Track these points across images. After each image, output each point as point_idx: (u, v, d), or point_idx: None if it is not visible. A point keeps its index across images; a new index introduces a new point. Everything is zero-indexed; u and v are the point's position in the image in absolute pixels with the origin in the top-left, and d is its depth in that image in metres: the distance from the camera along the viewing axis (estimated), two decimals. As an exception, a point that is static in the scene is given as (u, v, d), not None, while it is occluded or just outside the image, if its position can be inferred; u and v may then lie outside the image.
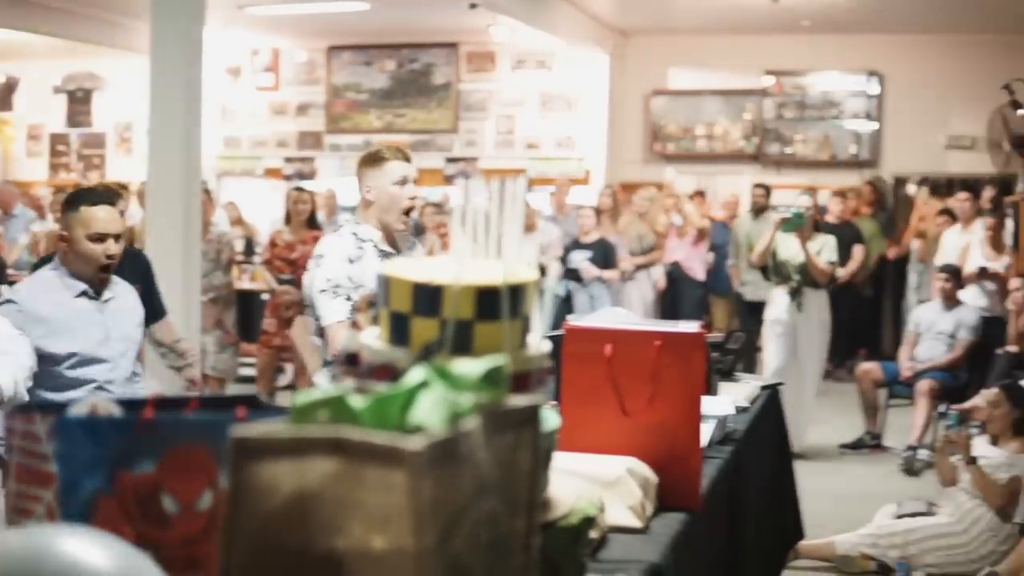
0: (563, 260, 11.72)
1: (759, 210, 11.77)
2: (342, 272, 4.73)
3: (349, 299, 4.69)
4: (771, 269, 9.50)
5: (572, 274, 11.61)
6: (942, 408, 9.62)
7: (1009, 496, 6.60)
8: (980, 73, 14.23)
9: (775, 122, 15.77)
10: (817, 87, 15.75)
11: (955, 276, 10.08)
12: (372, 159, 4.95)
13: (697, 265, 12.96)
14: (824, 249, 9.27)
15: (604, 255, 11.68)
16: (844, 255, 11.44)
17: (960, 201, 11.31)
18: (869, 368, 10.02)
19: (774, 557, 4.82)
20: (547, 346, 1.95)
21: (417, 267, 1.90)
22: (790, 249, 9.25)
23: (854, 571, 6.61)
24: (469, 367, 1.50)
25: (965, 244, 10.84)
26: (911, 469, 9.20)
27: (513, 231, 1.92)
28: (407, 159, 4.97)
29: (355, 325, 4.74)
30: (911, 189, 13.81)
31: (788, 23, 14.61)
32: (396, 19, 15.08)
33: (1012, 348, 9.58)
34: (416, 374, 1.48)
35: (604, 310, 6.61)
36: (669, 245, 12.81)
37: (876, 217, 14.18)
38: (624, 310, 6.92)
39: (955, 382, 9.78)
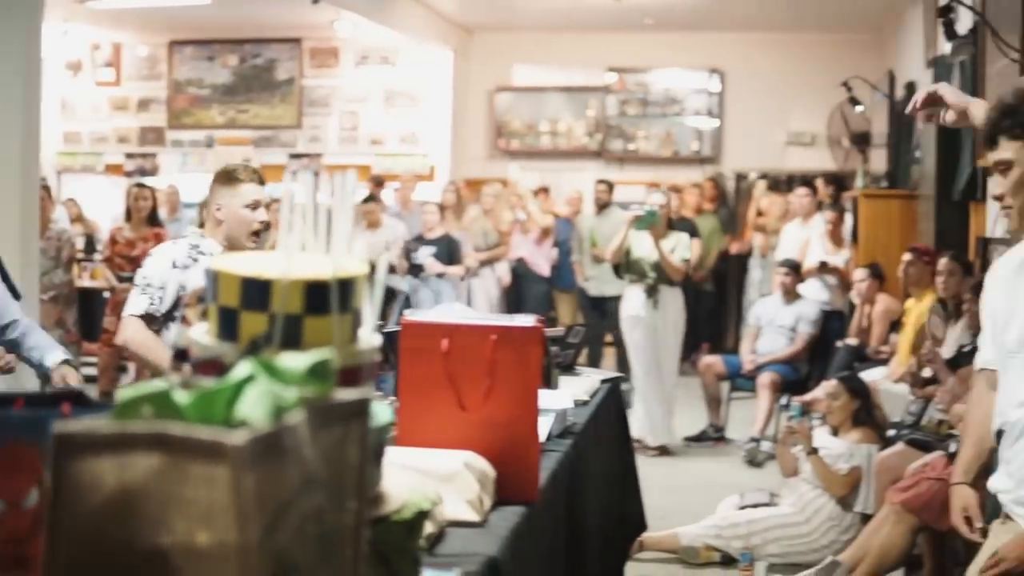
0: (407, 256, 11.70)
1: (602, 206, 11.86)
2: (158, 273, 4.76)
3: (153, 301, 4.72)
4: (624, 267, 9.57)
5: (416, 270, 11.60)
6: (784, 400, 9.82)
7: (850, 486, 6.74)
8: (820, 71, 14.54)
9: (618, 119, 15.95)
10: (659, 84, 15.97)
11: (795, 270, 10.27)
12: (227, 178, 4.90)
13: (542, 261, 13.02)
14: (679, 246, 9.38)
15: (448, 251, 11.69)
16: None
17: (799, 196, 11.51)
18: (712, 362, 10.18)
19: (617, 549, 4.85)
20: (378, 340, 1.95)
21: (246, 262, 1.89)
22: (644, 247, 9.33)
23: (698, 562, 6.71)
24: (294, 361, 1.49)
25: (805, 239, 11.04)
26: (754, 460, 9.35)
27: (343, 225, 1.91)
28: (262, 182, 4.94)
29: (184, 320, 4.74)
30: (760, 186, 14.02)
31: (631, 21, 14.77)
32: (238, 14, 14.93)
33: (852, 341, 9.78)
34: (242, 369, 1.47)
35: (444, 305, 6.59)
36: (514, 241, 12.85)
37: (717, 213, 14.38)
38: (464, 305, 6.92)
39: (796, 375, 9.98)
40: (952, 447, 5.86)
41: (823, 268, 10.57)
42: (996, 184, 3.15)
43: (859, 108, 11.81)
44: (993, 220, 8.16)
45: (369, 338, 1.93)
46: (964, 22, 8.93)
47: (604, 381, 4.85)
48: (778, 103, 15.43)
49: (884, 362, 9.08)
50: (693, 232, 12.57)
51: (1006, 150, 3.07)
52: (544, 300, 13.10)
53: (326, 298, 1.83)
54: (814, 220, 11.26)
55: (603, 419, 4.50)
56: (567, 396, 3.97)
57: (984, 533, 3.61)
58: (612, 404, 4.83)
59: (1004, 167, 3.08)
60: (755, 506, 6.95)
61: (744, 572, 6.39)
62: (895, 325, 9.55)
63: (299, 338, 1.82)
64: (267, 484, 1.31)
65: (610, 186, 11.99)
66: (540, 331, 2.96)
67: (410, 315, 3.14)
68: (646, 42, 15.56)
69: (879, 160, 12.79)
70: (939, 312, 7.48)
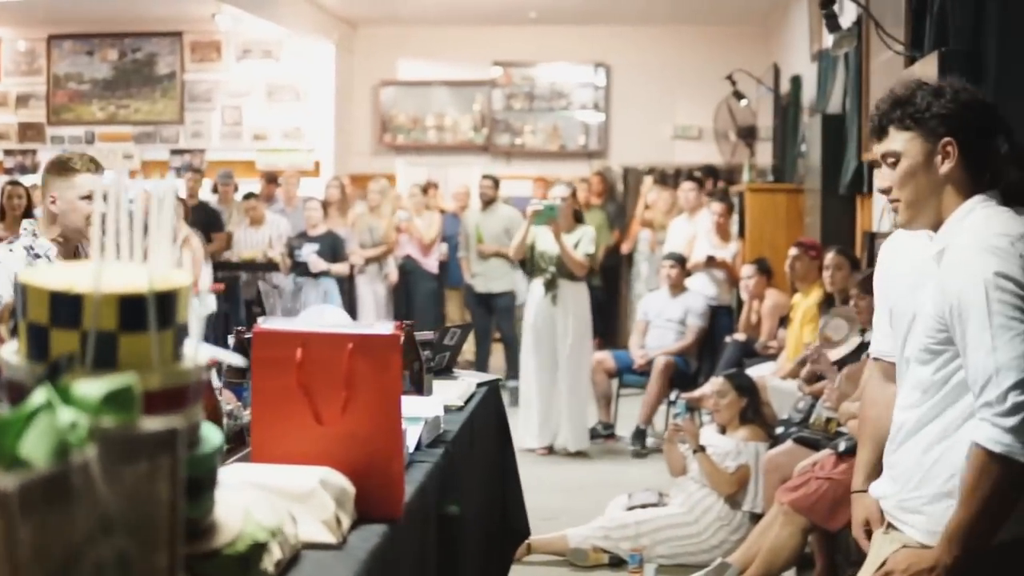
0: (291, 253, 11.50)
1: (488, 202, 11.72)
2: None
3: None
4: (529, 261, 9.44)
5: (300, 268, 11.39)
6: (672, 396, 9.77)
7: (737, 485, 6.68)
8: (706, 64, 14.55)
9: (504, 113, 15.84)
10: (545, 78, 15.89)
11: (681, 263, 10.22)
12: (60, 167, 4.67)
13: (430, 258, 12.86)
14: (583, 240, 9.25)
15: (332, 248, 11.49)
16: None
17: (686, 191, 11.46)
18: (601, 358, 10.08)
19: (500, 556, 4.72)
20: (205, 357, 1.78)
21: (56, 273, 1.71)
22: (548, 241, 9.20)
23: (587, 564, 6.60)
24: (90, 387, 1.32)
25: (692, 233, 10.99)
26: (641, 448, 9.34)
27: (162, 234, 1.74)
28: (99, 170, 4.71)
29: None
30: (647, 181, 13.97)
31: (516, 15, 14.69)
32: (118, 7, 14.64)
33: (740, 336, 9.75)
34: (38, 396, 1.30)
35: (314, 308, 6.42)
36: (402, 238, 12.68)
37: (605, 208, 14.31)
38: (339, 308, 6.73)
39: (687, 368, 9.92)
40: (842, 446, 5.81)
41: (710, 262, 10.52)
42: (882, 177, 3.04)
43: (743, 102, 11.78)
44: (879, 214, 8.15)
45: (195, 356, 1.76)
46: (848, 15, 8.92)
47: (481, 384, 4.71)
48: (664, 97, 15.42)
49: (773, 357, 9.05)
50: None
51: (895, 141, 2.97)
52: (433, 298, 12.95)
53: (143, 313, 1.66)
54: (701, 214, 11.21)
55: (480, 423, 4.36)
56: (438, 403, 3.82)
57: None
58: (490, 407, 4.69)
59: (892, 159, 2.98)
60: (644, 506, 6.87)
61: (633, 574, 6.31)
62: (783, 320, 9.52)
63: (114, 358, 1.65)
64: (48, 533, 1.14)
65: (496, 182, 11.85)
66: (398, 338, 2.80)
67: (263, 322, 2.96)
68: (532, 36, 15.48)
69: (765, 154, 12.79)
70: (838, 314, 7.43)
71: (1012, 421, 2.71)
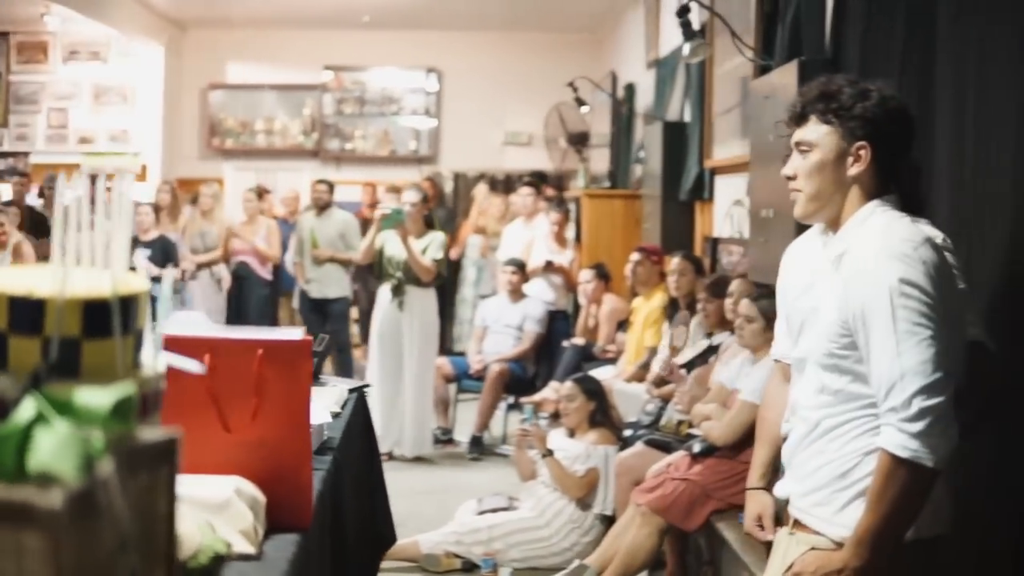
0: (123, 260, 11.21)
1: (323, 207, 11.60)
2: None
3: None
4: (378, 266, 9.36)
5: (132, 274, 11.12)
6: (510, 401, 9.80)
7: (587, 487, 6.72)
8: (538, 71, 14.66)
9: (335, 117, 15.74)
10: (376, 83, 15.82)
11: (521, 269, 10.25)
12: None
13: (266, 264, 12.67)
14: (431, 246, 9.19)
15: (164, 253, 11.26)
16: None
17: (523, 196, 11.49)
18: (439, 363, 10.05)
19: (371, 565, 4.68)
20: (163, 364, 1.72)
21: (14, 278, 1.63)
22: (396, 246, 9.12)
23: (440, 570, 6.58)
24: (95, 397, 1.26)
25: (529, 238, 11.02)
26: (479, 454, 9.36)
27: (121, 235, 1.68)
28: None
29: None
30: (482, 188, 13.96)
31: (348, 19, 14.60)
32: (-63, 6, 14.18)
33: (579, 340, 9.81)
34: (28, 407, 1.23)
35: (176, 314, 6.25)
36: (235, 244, 12.48)
37: (435, 213, 14.26)
38: (199, 313, 6.59)
39: (523, 373, 9.95)
40: (696, 447, 5.87)
41: (548, 268, 10.56)
42: (791, 164, 3.07)
43: (584, 109, 11.87)
44: (721, 219, 8.28)
45: (154, 363, 1.70)
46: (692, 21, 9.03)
47: (352, 390, 4.66)
48: (495, 103, 15.47)
49: (612, 361, 9.13)
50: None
51: (813, 132, 3.00)
52: (266, 303, 12.76)
53: (107, 319, 1.60)
54: (538, 220, 11.25)
55: (354, 430, 4.31)
56: (323, 409, 3.76)
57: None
58: (361, 413, 4.64)
59: (806, 148, 3.02)
60: (494, 511, 6.87)
61: (487, 578, 6.32)
62: (622, 324, 9.61)
63: (77, 365, 1.58)
64: (82, 553, 1.08)
65: (330, 186, 11.73)
66: (309, 344, 2.75)
67: (168, 328, 2.87)
68: (363, 40, 15.40)
69: (600, 160, 12.90)
70: (684, 321, 7.53)
71: (918, 426, 2.76)
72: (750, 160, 6.59)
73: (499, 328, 10.15)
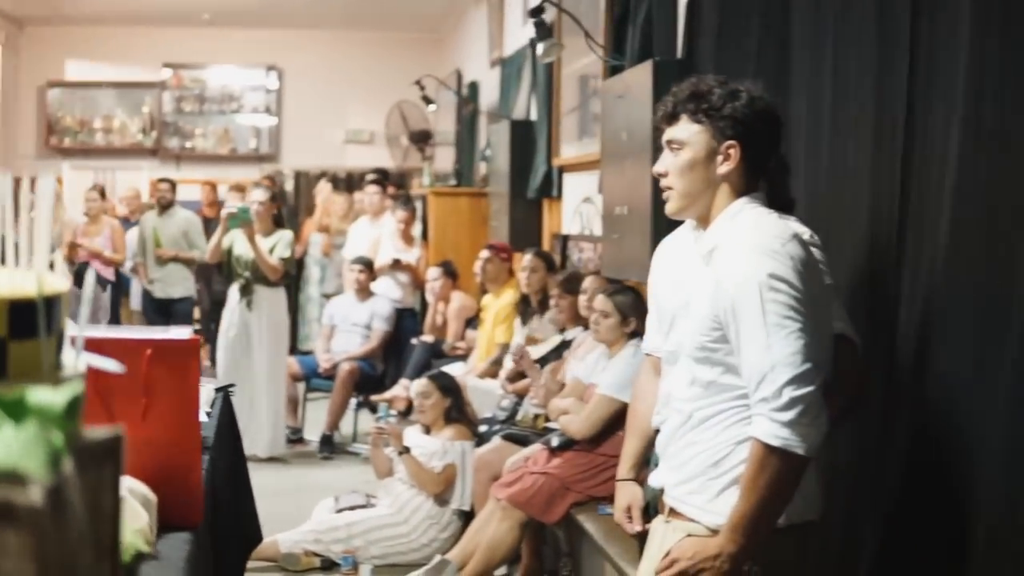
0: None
1: (165, 206, 11.45)
2: None
3: None
4: (225, 266, 9.26)
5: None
6: (359, 399, 9.80)
7: (445, 483, 6.76)
8: (378, 69, 14.66)
9: (174, 116, 15.57)
10: (217, 81, 15.68)
11: (369, 268, 10.23)
12: None
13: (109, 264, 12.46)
14: (279, 245, 9.11)
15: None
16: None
17: (369, 194, 11.47)
18: (287, 362, 10.00)
19: (240, 565, 4.66)
20: (84, 364, 1.72)
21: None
22: (244, 245, 9.03)
23: (299, 569, 6.57)
24: (47, 396, 1.27)
25: (376, 236, 11.00)
26: (330, 453, 9.34)
27: (43, 235, 1.67)
28: None
29: None
30: (326, 186, 13.88)
31: (188, 16, 14.45)
32: None
33: (428, 338, 9.84)
34: None
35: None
36: (80, 252, 12.24)
37: (278, 212, 14.17)
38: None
39: (372, 372, 9.95)
40: (555, 441, 5.95)
41: (395, 266, 10.57)
42: (662, 161, 3.14)
43: (432, 107, 11.91)
44: (570, 217, 8.37)
45: (76, 364, 1.69)
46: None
47: (218, 390, 4.63)
48: (336, 101, 15.44)
49: (461, 358, 9.18)
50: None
51: (684, 130, 3.07)
52: (110, 303, 12.54)
53: (33, 319, 1.59)
54: (384, 218, 11.24)
55: (223, 430, 4.29)
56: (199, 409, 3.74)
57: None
58: (227, 413, 4.62)
59: (677, 146, 3.09)
60: (352, 508, 6.87)
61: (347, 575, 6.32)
62: (470, 321, 9.67)
63: (4, 366, 1.57)
64: (58, 549, 1.09)
65: (173, 185, 11.59)
66: (197, 343, 2.76)
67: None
68: (203, 38, 15.24)
69: (444, 158, 12.95)
70: (536, 316, 7.59)
71: (788, 415, 2.84)
72: (601, 158, 6.68)
73: (347, 327, 10.14)
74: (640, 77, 5.75)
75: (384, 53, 15.03)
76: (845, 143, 4.06)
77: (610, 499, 5.61)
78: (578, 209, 8.22)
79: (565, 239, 8.36)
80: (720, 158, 3.07)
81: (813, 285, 2.94)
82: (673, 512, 3.14)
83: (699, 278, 3.11)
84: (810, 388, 2.85)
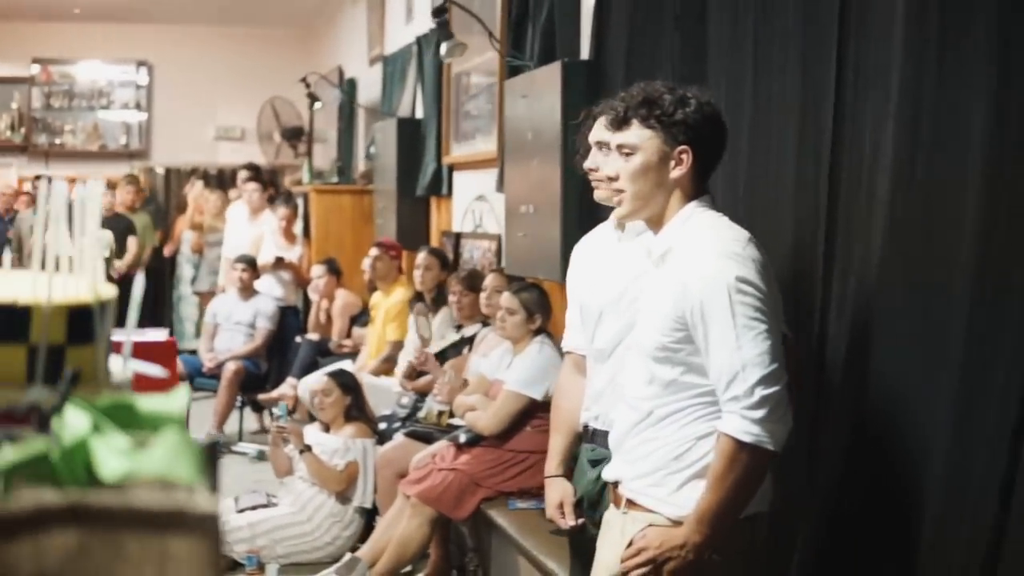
0: None
1: (41, 203, 11.25)
2: None
3: None
4: None
5: None
6: (243, 398, 9.73)
7: (347, 481, 6.76)
8: (250, 65, 14.55)
9: (43, 111, 15.33)
10: (86, 76, 15.47)
11: (252, 266, 10.16)
12: None
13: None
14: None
15: None
16: (120, 248, 11.35)
17: (250, 192, 11.37)
18: (170, 362, 9.88)
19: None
20: (131, 370, 1.73)
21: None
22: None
23: (202, 569, 6.50)
24: (162, 403, 1.29)
25: (258, 234, 10.92)
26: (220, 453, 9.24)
27: (92, 239, 1.68)
28: None
29: None
30: (198, 184, 13.74)
31: (57, 10, 14.22)
32: None
33: (313, 336, 9.81)
34: (78, 417, 1.24)
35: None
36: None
37: (147, 208, 14.02)
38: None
39: (257, 370, 9.89)
40: (463, 437, 5.98)
41: (278, 264, 10.51)
42: (611, 165, 3.22)
43: (318, 105, 11.85)
44: (462, 215, 8.41)
45: (123, 368, 1.71)
46: (422, 22, 9.14)
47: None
48: (207, 97, 15.30)
49: (348, 356, 9.16)
50: (131, 229, 12.29)
51: (635, 136, 3.14)
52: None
53: (89, 325, 1.60)
54: (264, 216, 11.16)
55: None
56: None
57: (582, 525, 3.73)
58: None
59: (628, 151, 3.15)
60: (253, 508, 6.84)
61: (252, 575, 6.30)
62: (355, 319, 9.67)
63: (61, 372, 1.58)
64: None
65: (49, 181, 11.39)
66: (174, 345, 2.76)
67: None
68: (72, 33, 14.99)
69: (323, 155, 12.91)
70: (423, 312, 7.61)
71: (759, 413, 2.94)
72: (501, 157, 6.74)
73: (230, 325, 10.07)
74: (548, 77, 5.81)
75: (256, 49, 14.93)
76: (768, 145, 4.14)
77: (520, 494, 5.71)
78: (470, 207, 8.27)
79: (458, 236, 8.40)
80: (672, 163, 3.15)
81: (770, 286, 3.03)
82: (631, 503, 3.21)
83: (651, 279, 3.21)
84: (778, 387, 2.96)
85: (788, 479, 3.68)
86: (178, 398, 1.30)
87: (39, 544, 1.06)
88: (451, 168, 8.69)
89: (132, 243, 12.39)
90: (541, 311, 5.87)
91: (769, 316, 2.99)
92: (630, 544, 3.14)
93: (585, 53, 5.97)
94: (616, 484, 3.30)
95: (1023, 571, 2.87)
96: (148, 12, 14.44)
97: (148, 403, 1.29)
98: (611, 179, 3.22)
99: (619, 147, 3.20)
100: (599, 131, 3.63)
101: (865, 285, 3.55)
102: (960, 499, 3.08)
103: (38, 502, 1.07)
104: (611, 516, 3.32)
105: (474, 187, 8.16)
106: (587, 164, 3.70)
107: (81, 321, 1.60)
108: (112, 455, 1.18)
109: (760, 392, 2.94)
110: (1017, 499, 2.86)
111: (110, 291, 1.68)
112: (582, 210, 5.56)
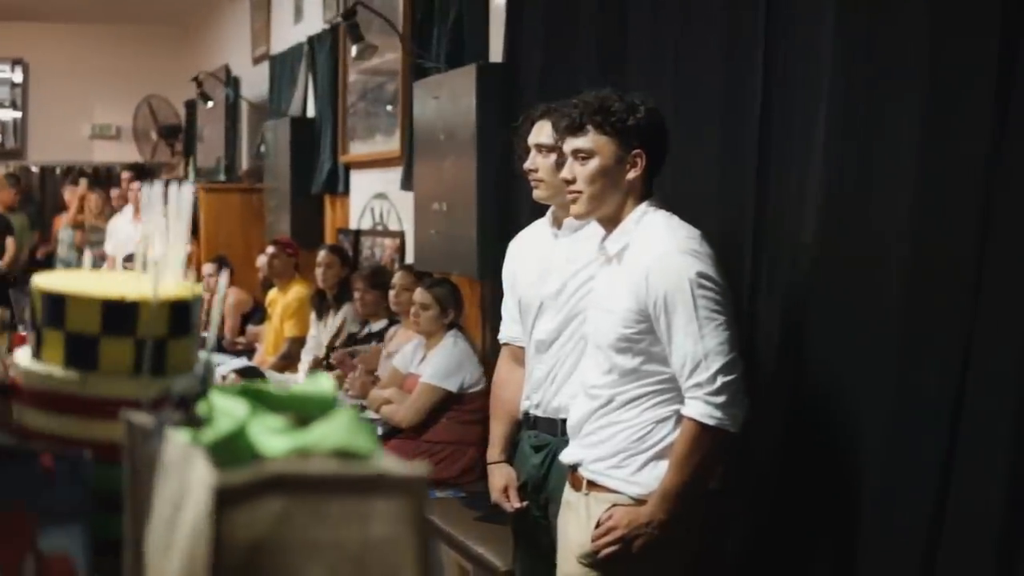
0: None
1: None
2: None
3: None
4: None
5: None
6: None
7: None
8: (126, 63, 14.48)
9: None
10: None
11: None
12: None
13: None
14: None
15: None
16: None
17: (134, 190, 11.34)
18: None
19: None
20: (214, 362, 1.86)
21: (95, 282, 1.75)
22: None
23: None
24: (311, 386, 1.43)
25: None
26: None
27: (181, 238, 1.81)
28: None
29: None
30: (83, 182, 13.63)
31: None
32: None
33: (204, 333, 9.80)
34: (233, 402, 1.38)
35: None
36: None
37: (24, 208, 13.88)
38: None
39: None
40: (379, 431, 6.09)
41: (165, 263, 10.48)
42: (568, 169, 3.41)
43: (210, 104, 11.85)
44: (359, 213, 8.52)
45: (209, 359, 1.84)
46: (314, 22, 9.22)
47: None
48: (83, 95, 15.19)
49: (242, 353, 9.19)
50: (8, 229, 12.18)
51: (591, 140, 3.36)
52: None
53: (187, 318, 1.74)
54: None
55: None
56: None
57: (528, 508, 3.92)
58: None
59: (584, 155, 3.36)
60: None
61: None
62: (247, 316, 9.72)
63: (163, 364, 1.71)
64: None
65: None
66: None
67: None
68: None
69: (207, 153, 12.91)
70: (324, 309, 7.67)
71: (721, 398, 3.19)
72: (408, 155, 6.88)
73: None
74: (463, 79, 5.95)
75: (132, 47, 14.85)
76: (690, 145, 4.29)
77: (438, 484, 5.85)
78: (369, 204, 8.38)
79: (357, 234, 8.50)
80: (627, 165, 3.36)
81: (724, 279, 3.26)
82: (593, 485, 3.41)
83: (607, 274, 3.43)
84: (737, 374, 3.22)
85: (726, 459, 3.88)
86: (324, 381, 1.44)
87: (253, 511, 1.20)
88: (347, 167, 8.78)
89: (10, 243, 12.28)
90: (454, 306, 6.03)
91: (726, 308, 3.23)
92: (599, 524, 3.34)
93: (494, 55, 6.12)
94: (575, 467, 3.49)
95: (964, 547, 3.04)
96: (24, 10, 14.28)
97: (301, 386, 1.43)
98: (568, 182, 3.42)
99: (575, 151, 3.40)
100: (537, 134, 3.86)
101: (796, 276, 3.75)
102: (900, 476, 3.27)
103: (252, 474, 1.21)
104: (572, 498, 3.51)
105: (373, 185, 8.27)
106: (527, 165, 3.89)
107: (180, 315, 1.74)
108: (271, 435, 1.32)
109: (721, 379, 3.18)
110: (957, 475, 3.06)
111: (197, 288, 1.81)
112: (499, 208, 5.73)
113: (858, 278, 3.49)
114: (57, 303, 1.72)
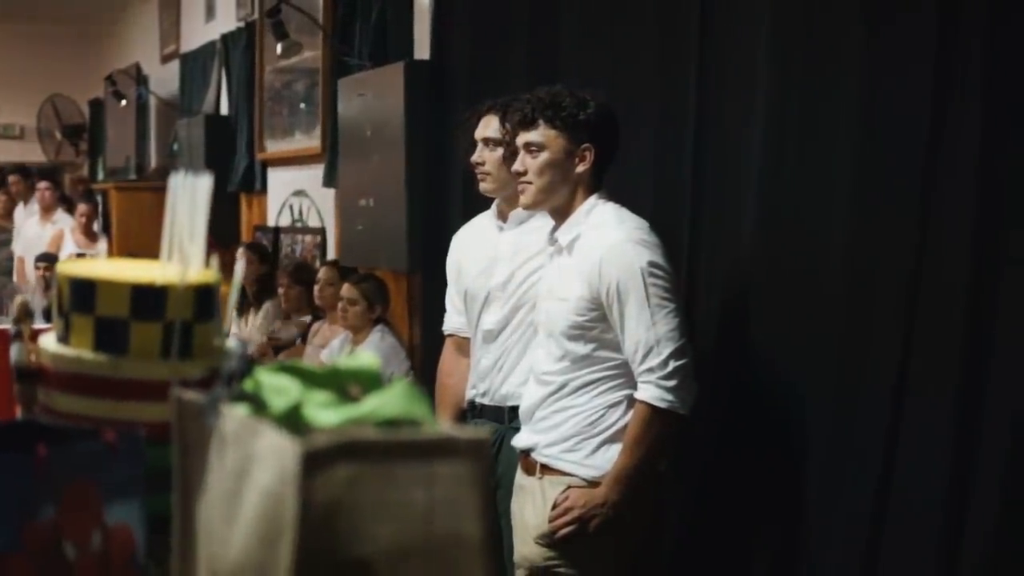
0: None
1: None
2: None
3: None
4: None
5: None
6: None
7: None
8: (31, 63, 14.30)
9: None
10: None
11: (53, 265, 10.09)
12: None
13: None
14: None
15: None
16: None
17: (42, 191, 11.26)
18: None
19: None
20: (234, 343, 1.93)
21: (123, 268, 1.82)
22: None
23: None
24: (359, 361, 1.51)
25: (56, 232, 10.82)
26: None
27: (200, 226, 1.89)
28: None
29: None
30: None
31: None
32: None
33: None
34: (282, 379, 1.46)
35: None
36: None
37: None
38: None
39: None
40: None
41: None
42: (520, 161, 3.53)
43: (123, 102, 11.78)
44: (278, 210, 8.55)
45: (227, 340, 1.91)
46: (227, 20, 9.23)
47: None
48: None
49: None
50: None
51: (541, 135, 3.48)
52: None
53: (212, 302, 1.82)
54: (57, 215, 11.08)
55: None
56: None
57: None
58: None
59: (535, 148, 3.48)
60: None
61: None
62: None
63: (190, 346, 1.78)
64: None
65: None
66: (9, 334, 2.82)
67: None
68: None
69: (115, 152, 12.85)
70: (268, 311, 7.69)
71: (672, 382, 3.33)
72: (333, 152, 6.94)
73: (37, 324, 9.96)
74: (390, 77, 6.02)
75: (34, 46, 14.66)
76: (626, 142, 4.38)
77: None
78: (287, 201, 8.42)
79: (277, 231, 8.53)
80: (577, 159, 3.49)
81: (672, 267, 3.39)
82: (546, 468, 3.52)
83: (557, 265, 3.54)
84: (687, 359, 3.36)
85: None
86: (368, 357, 1.53)
87: (330, 475, 1.28)
88: (264, 164, 8.81)
89: None
90: (381, 301, 6.11)
91: (676, 295, 3.37)
92: (555, 506, 3.45)
93: (419, 52, 6.20)
94: (528, 452, 3.59)
95: (907, 532, 3.16)
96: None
97: (345, 363, 1.51)
98: (519, 174, 3.52)
99: (526, 145, 3.52)
100: (484, 129, 3.97)
101: (736, 269, 3.88)
102: (842, 463, 3.40)
103: (329, 440, 1.29)
104: (525, 482, 3.62)
105: (292, 182, 8.31)
106: (474, 159, 4.00)
107: (204, 299, 1.81)
108: (320, 408, 1.41)
109: (673, 364, 3.31)
110: (899, 461, 3.18)
111: (217, 274, 1.88)
112: (428, 202, 5.81)
113: (797, 270, 3.61)
114: (86, 289, 1.78)
